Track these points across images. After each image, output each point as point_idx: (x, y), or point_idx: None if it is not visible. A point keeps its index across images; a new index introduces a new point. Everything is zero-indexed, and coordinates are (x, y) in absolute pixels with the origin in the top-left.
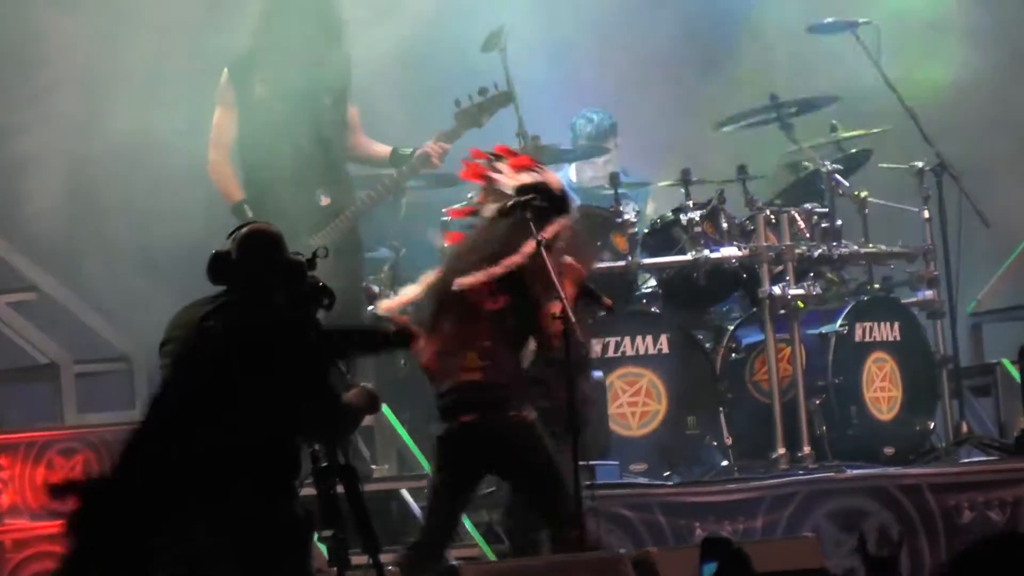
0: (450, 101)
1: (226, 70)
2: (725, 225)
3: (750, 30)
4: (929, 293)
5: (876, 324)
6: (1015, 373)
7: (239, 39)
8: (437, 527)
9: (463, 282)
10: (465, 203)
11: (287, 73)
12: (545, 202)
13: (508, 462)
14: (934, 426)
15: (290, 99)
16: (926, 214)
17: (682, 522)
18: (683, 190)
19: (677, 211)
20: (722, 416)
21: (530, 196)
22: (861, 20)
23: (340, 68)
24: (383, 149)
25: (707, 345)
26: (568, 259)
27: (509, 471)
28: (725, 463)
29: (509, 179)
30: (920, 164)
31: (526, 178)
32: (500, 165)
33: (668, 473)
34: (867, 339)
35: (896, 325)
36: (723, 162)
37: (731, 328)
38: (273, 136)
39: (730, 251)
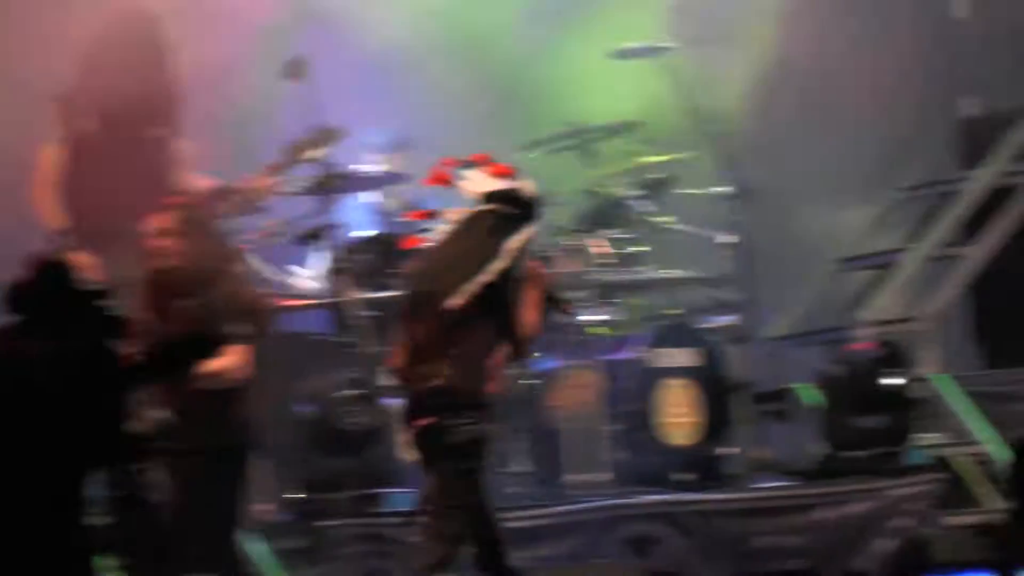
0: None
1: (53, 104)
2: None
3: (553, 54)
4: (729, 319)
5: (676, 350)
6: (812, 398)
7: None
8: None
9: (454, 303)
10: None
11: (111, 106)
12: (516, 209)
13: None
14: (731, 452)
15: (114, 132)
16: (727, 239)
17: None
18: None
19: None
20: (518, 443)
21: (497, 203)
22: (665, 45)
23: (164, 101)
24: (207, 184)
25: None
26: (537, 265)
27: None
28: (521, 490)
29: (475, 186)
30: (722, 189)
31: (497, 184)
32: (469, 172)
33: None
34: (666, 365)
35: (695, 351)
36: None
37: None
38: (98, 169)
39: None
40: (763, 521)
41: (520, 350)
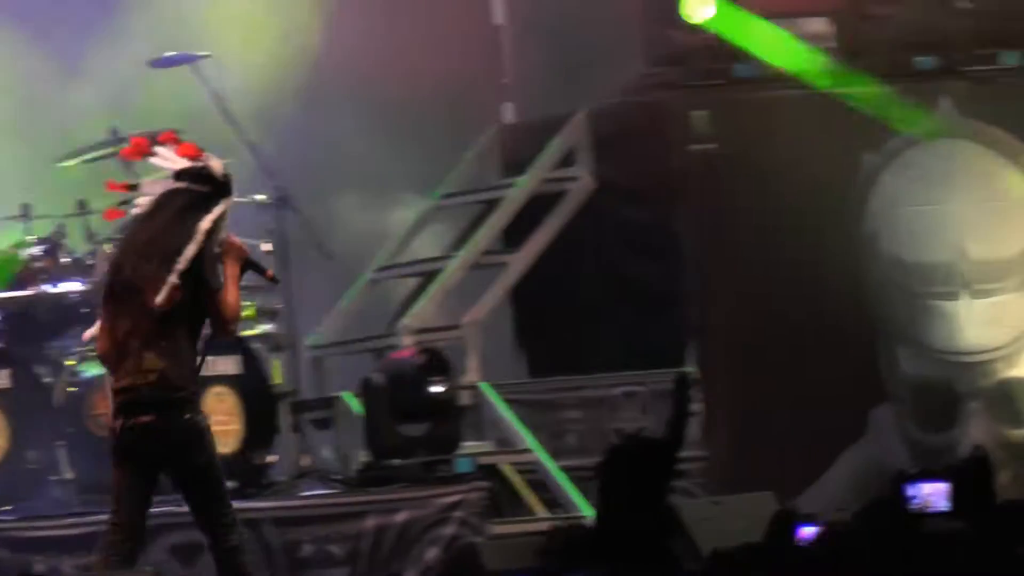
0: None
1: None
2: (66, 260)
3: (89, 64)
4: (270, 326)
5: (216, 358)
6: (356, 406)
7: None
8: (125, 524)
9: (161, 301)
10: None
11: None
12: (207, 186)
13: (178, 465)
14: (275, 460)
15: None
16: (268, 247)
17: (21, 557)
18: (23, 225)
19: (18, 246)
20: (62, 451)
21: (187, 181)
22: (202, 54)
23: None
24: None
25: (47, 380)
26: (230, 237)
27: (178, 473)
28: (65, 497)
29: (167, 164)
30: (261, 197)
31: (186, 163)
32: (162, 150)
33: (7, 508)
34: (208, 373)
35: (236, 359)
36: (63, 196)
37: (70, 363)
38: None
39: (71, 286)
40: (308, 529)
41: (227, 329)
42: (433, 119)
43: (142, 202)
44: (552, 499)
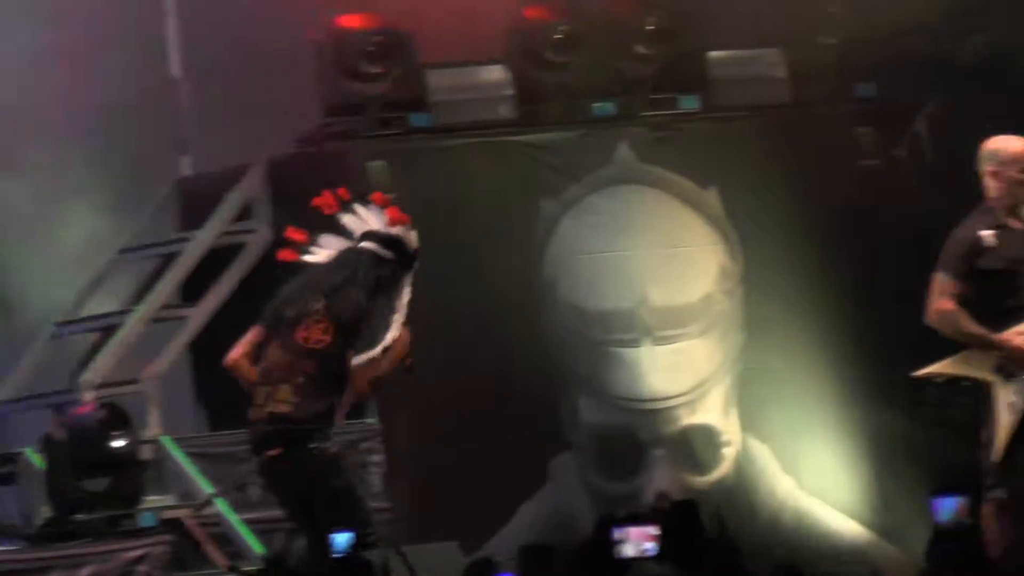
0: None
1: None
2: None
3: None
4: None
5: None
6: (38, 461)
7: None
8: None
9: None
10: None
11: None
12: (391, 253)
13: (309, 492)
14: None
15: None
16: None
17: None
18: None
19: None
20: None
21: (374, 244)
22: None
23: None
24: None
25: None
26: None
27: (312, 501)
28: None
29: (361, 223)
30: None
31: (389, 229)
32: (361, 208)
33: None
34: None
35: None
36: None
37: None
38: None
39: None
40: None
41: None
42: (111, 173)
43: (317, 252)
44: (235, 552)
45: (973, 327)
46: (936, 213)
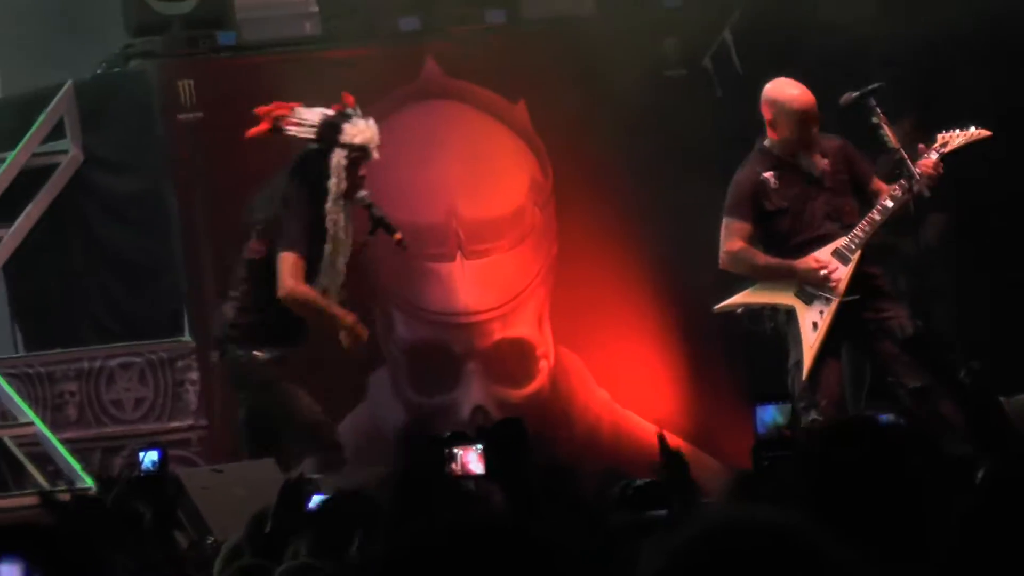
0: None
1: None
2: None
3: None
4: None
5: None
6: None
7: None
8: None
9: None
10: None
11: None
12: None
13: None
14: None
15: None
16: None
17: None
18: None
19: None
20: None
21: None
22: None
23: None
24: None
25: None
26: None
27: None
28: None
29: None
30: None
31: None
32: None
33: None
34: None
35: None
36: None
37: None
38: None
39: None
40: None
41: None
42: None
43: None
44: (55, 471)
45: (767, 259)
46: (741, 123)
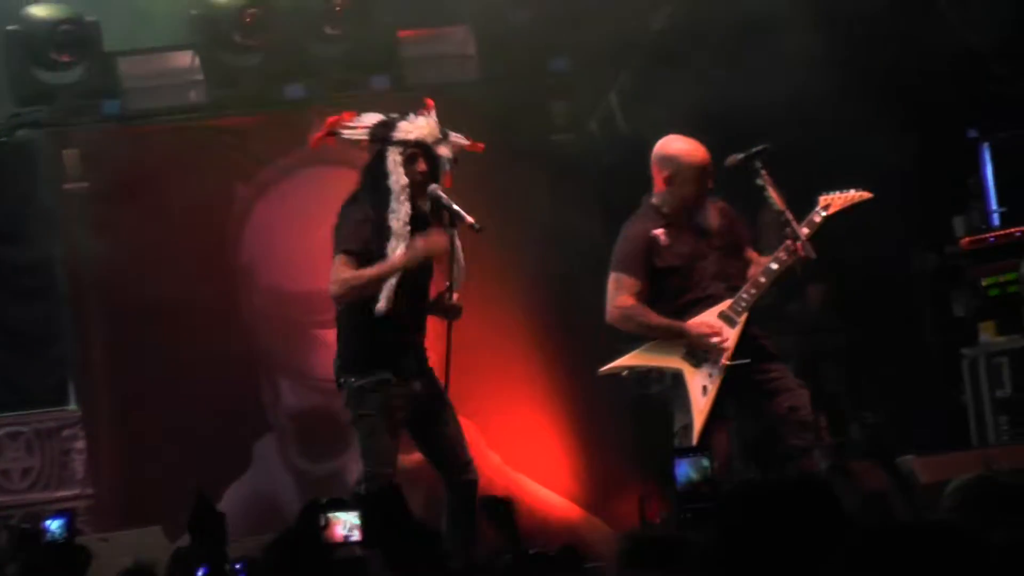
0: None
1: None
2: None
3: None
4: None
5: None
6: None
7: None
8: None
9: None
10: None
11: None
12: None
13: None
14: None
15: None
16: None
17: None
18: None
19: None
20: None
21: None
22: None
23: None
24: None
25: None
26: None
27: None
28: None
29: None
30: None
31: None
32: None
33: None
34: None
35: None
36: None
37: None
38: None
39: None
40: None
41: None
42: None
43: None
44: None
45: (659, 319)
46: (628, 185)
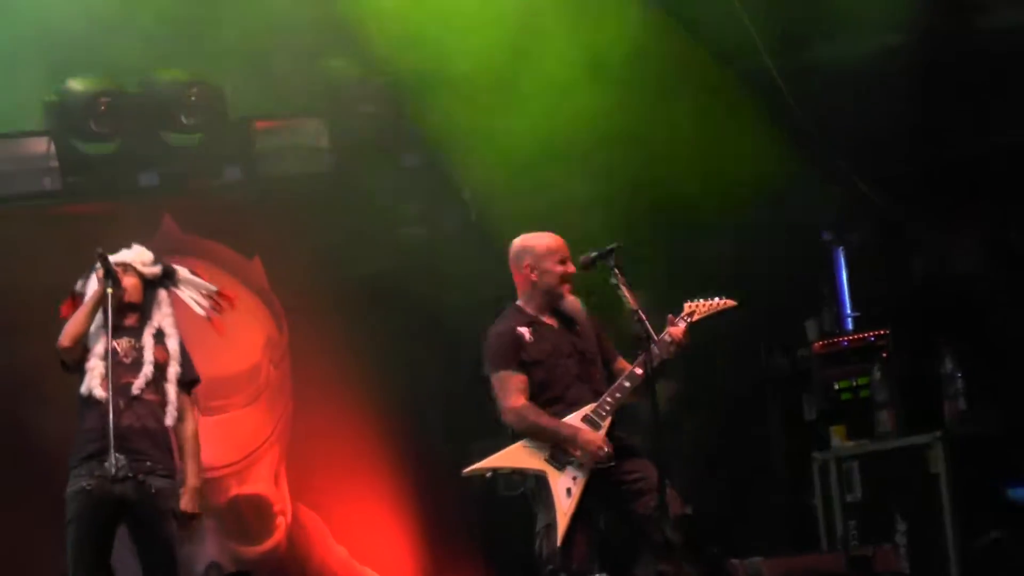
0: None
1: None
2: None
3: None
4: None
5: None
6: None
7: None
8: None
9: None
10: None
11: None
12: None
13: None
14: None
15: None
16: None
17: None
18: None
19: None
20: None
21: None
22: None
23: None
24: None
25: None
26: None
27: None
28: None
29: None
30: None
31: None
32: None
33: None
34: None
35: None
36: None
37: None
38: None
39: None
40: None
41: None
42: None
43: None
44: None
45: (551, 421)
46: (482, 280)
